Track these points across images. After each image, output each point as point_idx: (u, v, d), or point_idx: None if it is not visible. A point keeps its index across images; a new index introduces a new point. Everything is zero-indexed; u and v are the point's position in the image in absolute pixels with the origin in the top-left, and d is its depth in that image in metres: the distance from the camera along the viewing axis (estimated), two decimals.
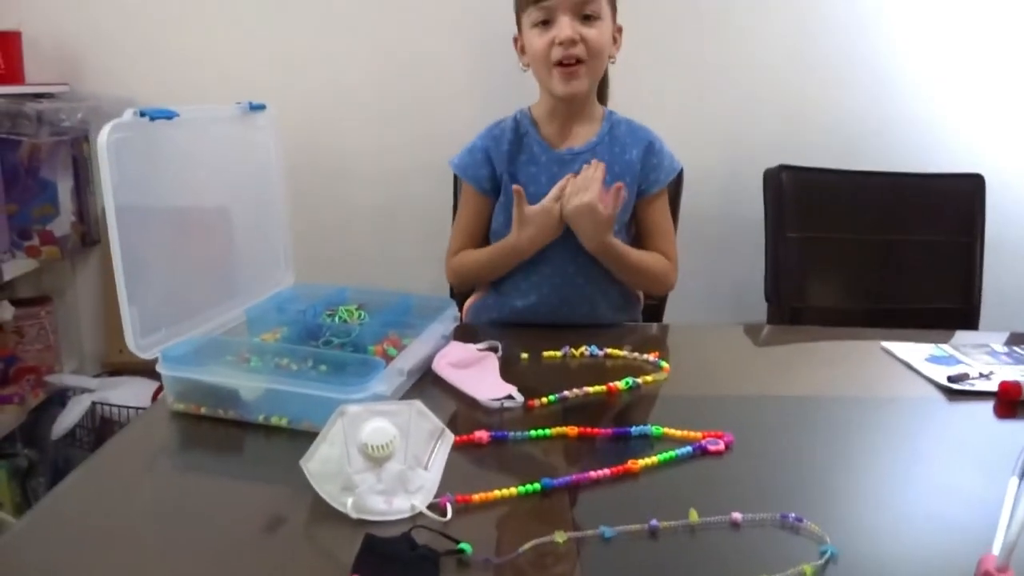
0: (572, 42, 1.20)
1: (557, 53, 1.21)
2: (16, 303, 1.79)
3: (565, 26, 1.20)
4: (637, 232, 1.37)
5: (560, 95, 1.26)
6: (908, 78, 1.86)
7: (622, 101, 1.43)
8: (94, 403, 1.77)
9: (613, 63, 1.32)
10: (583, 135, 1.32)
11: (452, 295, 1.52)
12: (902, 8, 1.83)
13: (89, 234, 1.88)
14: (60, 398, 1.83)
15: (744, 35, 1.83)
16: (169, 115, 0.94)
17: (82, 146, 1.84)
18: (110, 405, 1.76)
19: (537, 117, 1.33)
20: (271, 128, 1.20)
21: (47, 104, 1.67)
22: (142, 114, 0.91)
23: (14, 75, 1.72)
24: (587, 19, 1.22)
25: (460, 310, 1.36)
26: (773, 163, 1.71)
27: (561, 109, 1.30)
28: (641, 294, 1.42)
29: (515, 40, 1.32)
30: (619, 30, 1.30)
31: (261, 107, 1.16)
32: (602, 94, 1.38)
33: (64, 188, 1.77)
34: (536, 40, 1.23)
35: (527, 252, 1.26)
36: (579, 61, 1.22)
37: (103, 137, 0.85)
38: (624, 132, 1.33)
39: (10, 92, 1.65)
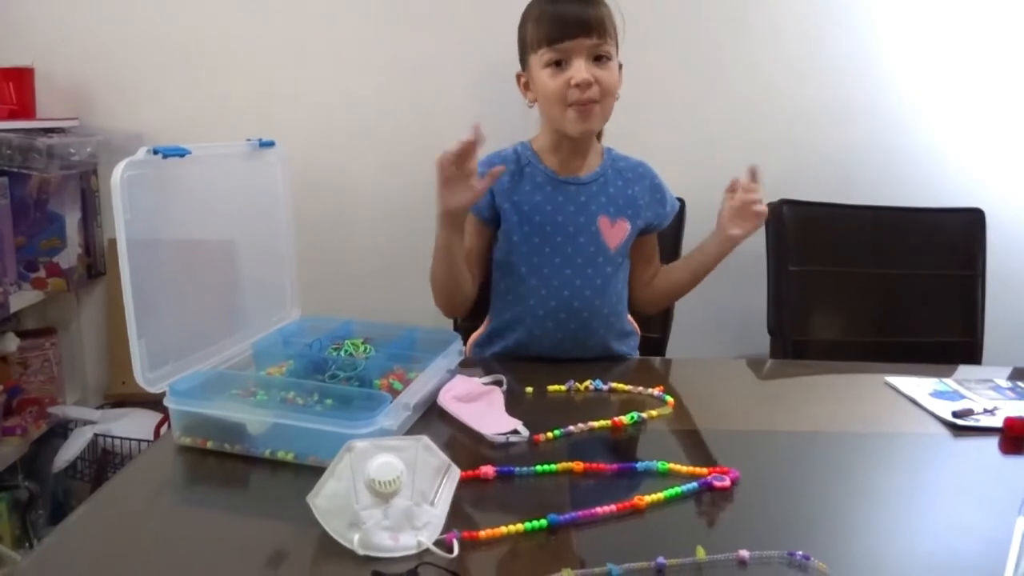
0: (588, 84, 1.21)
1: (574, 95, 1.22)
2: (21, 335, 1.80)
3: (581, 69, 1.21)
4: (643, 261, 1.39)
5: (575, 134, 1.26)
6: (908, 113, 1.89)
7: (624, 137, 1.45)
8: (96, 435, 1.76)
9: (618, 99, 1.34)
10: (586, 168, 1.33)
11: (456, 328, 1.52)
12: (902, 43, 1.86)
13: (95, 266, 1.89)
14: (62, 430, 1.83)
15: (745, 71, 1.86)
16: (181, 152, 0.96)
17: (90, 179, 1.86)
18: (112, 437, 1.76)
19: (538, 150, 1.33)
20: (280, 164, 1.22)
21: (57, 139, 1.70)
22: (155, 152, 0.92)
23: (26, 110, 1.75)
24: (598, 59, 1.23)
25: (464, 344, 1.37)
26: (774, 197, 1.73)
27: (565, 145, 1.31)
28: (638, 326, 1.43)
29: (518, 77, 1.32)
30: (620, 67, 1.32)
31: (271, 144, 1.18)
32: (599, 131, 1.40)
33: (71, 221, 1.79)
34: (549, 81, 1.23)
35: (447, 215, 1.19)
36: (593, 102, 1.23)
37: (117, 175, 0.87)
38: (625, 167, 1.35)
39: (22, 127, 1.68)
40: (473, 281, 1.32)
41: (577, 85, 1.21)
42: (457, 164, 1.14)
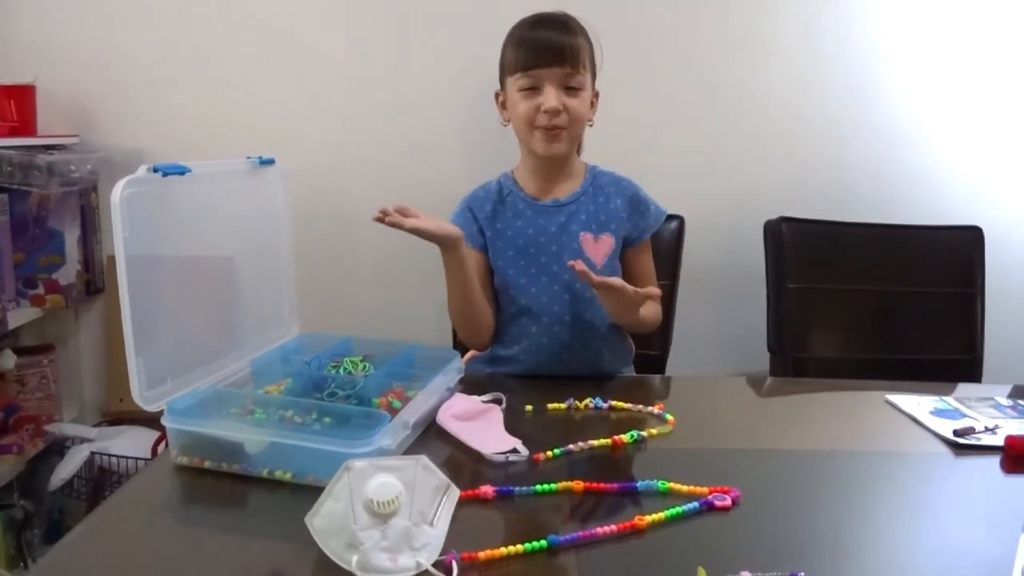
0: (557, 112, 1.27)
1: (542, 120, 1.27)
2: (19, 352, 1.79)
3: (552, 97, 1.26)
4: (624, 277, 1.38)
5: (541, 155, 1.31)
6: (907, 132, 1.90)
7: (624, 155, 1.46)
8: (93, 453, 1.75)
9: (591, 126, 1.38)
10: (566, 189, 1.36)
11: (455, 346, 1.52)
12: (902, 62, 1.87)
13: (94, 283, 1.89)
14: (59, 447, 1.82)
15: (745, 90, 1.87)
16: (181, 171, 0.96)
17: (90, 196, 1.86)
18: (109, 455, 1.75)
19: (519, 177, 1.38)
20: (280, 182, 1.22)
21: (58, 156, 1.70)
22: (155, 170, 0.92)
23: (27, 127, 1.75)
24: (570, 89, 1.28)
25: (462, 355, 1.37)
26: (774, 215, 1.73)
27: (543, 167, 1.35)
28: (632, 344, 1.44)
29: (496, 95, 1.38)
30: (596, 95, 1.36)
31: (271, 161, 1.18)
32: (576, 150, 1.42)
33: (71, 237, 1.79)
34: (521, 104, 1.29)
35: (434, 240, 1.22)
36: (560, 128, 1.28)
37: (117, 192, 0.87)
38: (607, 183, 1.38)
39: (22, 144, 1.68)
40: (490, 306, 1.34)
41: (546, 111, 1.26)
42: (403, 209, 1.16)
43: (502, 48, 1.34)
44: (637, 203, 1.38)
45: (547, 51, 1.26)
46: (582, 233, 1.33)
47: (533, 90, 1.28)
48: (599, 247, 1.33)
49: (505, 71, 1.33)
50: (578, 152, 1.42)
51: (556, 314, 1.31)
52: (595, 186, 1.37)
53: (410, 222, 1.15)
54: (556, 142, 1.29)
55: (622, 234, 1.36)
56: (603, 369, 1.34)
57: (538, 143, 1.29)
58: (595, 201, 1.35)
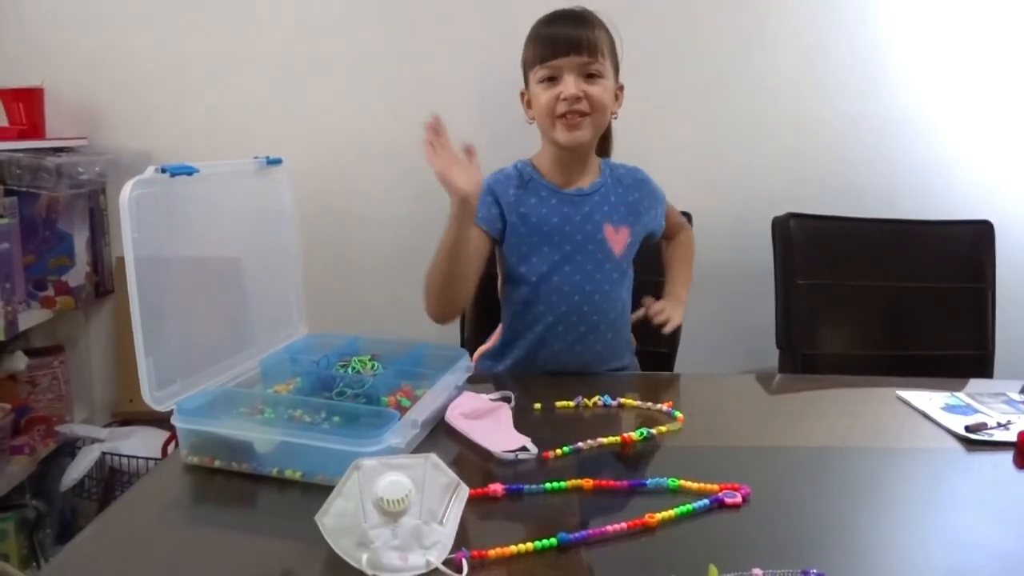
0: (576, 99, 1.27)
1: (562, 107, 1.28)
2: (29, 353, 1.80)
3: (570, 84, 1.27)
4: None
5: (564, 143, 1.30)
6: (916, 126, 1.88)
7: (633, 150, 1.46)
8: (104, 453, 1.76)
9: (615, 118, 1.38)
10: (586, 180, 1.37)
11: (463, 343, 1.52)
12: (910, 56, 1.86)
13: (103, 284, 1.90)
14: (70, 448, 1.83)
15: (752, 85, 1.86)
16: (189, 171, 0.96)
17: (99, 198, 1.87)
18: (119, 455, 1.75)
19: (539, 166, 1.37)
20: (287, 182, 1.22)
21: (66, 158, 1.71)
22: (163, 170, 0.93)
23: (36, 130, 1.76)
24: (590, 77, 1.28)
25: (471, 354, 1.36)
26: (782, 211, 1.73)
27: (564, 159, 1.35)
28: (633, 339, 1.44)
29: (522, 95, 1.38)
30: (621, 88, 1.36)
31: (278, 161, 1.18)
32: (605, 148, 1.43)
33: (80, 239, 1.80)
34: (542, 95, 1.30)
35: (462, 202, 1.15)
36: (582, 114, 1.28)
37: (125, 193, 0.87)
38: (623, 174, 1.40)
39: (31, 147, 1.69)
40: (473, 284, 1.29)
41: (565, 99, 1.27)
42: (443, 143, 1.15)
43: (523, 48, 1.35)
44: (652, 195, 1.41)
45: (565, 42, 1.27)
46: (605, 224, 1.34)
47: (553, 80, 1.29)
48: (619, 238, 1.35)
49: (526, 67, 1.34)
50: (608, 153, 1.43)
51: (575, 304, 1.31)
52: (613, 178, 1.38)
53: (439, 163, 1.13)
54: (578, 130, 1.29)
55: (638, 228, 1.38)
56: (612, 362, 1.35)
57: (560, 132, 1.29)
58: (615, 192, 1.37)
